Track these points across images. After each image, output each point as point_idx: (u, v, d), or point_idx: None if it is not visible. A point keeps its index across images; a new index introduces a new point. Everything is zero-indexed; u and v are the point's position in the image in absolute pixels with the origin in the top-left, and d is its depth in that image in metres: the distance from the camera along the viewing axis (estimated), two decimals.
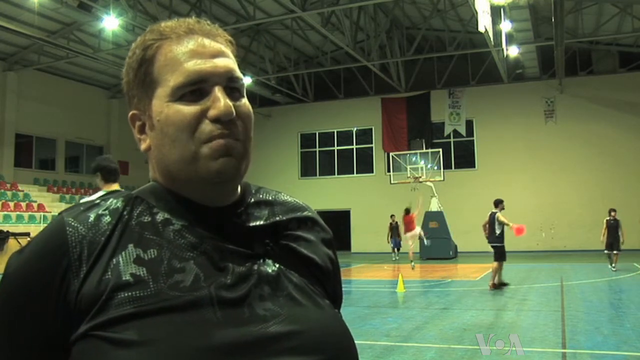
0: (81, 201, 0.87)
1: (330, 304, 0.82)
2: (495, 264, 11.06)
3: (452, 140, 26.23)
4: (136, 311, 0.69)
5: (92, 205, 0.78)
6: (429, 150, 23.67)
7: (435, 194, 21.73)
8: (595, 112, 23.98)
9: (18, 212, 19.19)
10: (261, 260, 0.79)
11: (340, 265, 0.93)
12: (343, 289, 0.95)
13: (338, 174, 27.97)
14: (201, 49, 0.78)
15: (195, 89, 0.77)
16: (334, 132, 28.27)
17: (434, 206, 21.67)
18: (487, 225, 11.43)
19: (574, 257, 20.24)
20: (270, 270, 0.78)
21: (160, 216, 0.78)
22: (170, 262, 0.73)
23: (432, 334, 6.77)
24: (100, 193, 4.16)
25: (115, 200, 0.79)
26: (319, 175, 28.26)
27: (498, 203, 11.53)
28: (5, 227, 17.33)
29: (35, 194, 21.48)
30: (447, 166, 24.16)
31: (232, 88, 0.79)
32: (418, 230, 17.46)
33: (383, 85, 26.05)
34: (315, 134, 28.55)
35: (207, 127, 0.76)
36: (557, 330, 6.89)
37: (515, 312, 8.42)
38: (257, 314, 0.73)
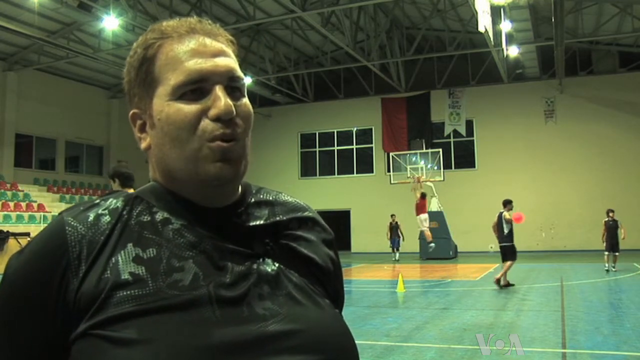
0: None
1: (331, 303, 0.82)
2: (507, 263, 11.17)
3: (452, 140, 26.23)
4: (135, 310, 0.69)
5: (91, 205, 0.78)
6: (429, 150, 23.68)
7: (435, 194, 21.73)
8: (595, 112, 23.99)
9: (18, 212, 19.19)
10: (261, 260, 0.79)
11: (341, 266, 0.93)
12: (344, 290, 0.95)
13: (338, 174, 27.97)
14: (202, 48, 0.79)
15: (196, 87, 0.77)
16: (334, 132, 28.27)
17: (434, 206, 21.67)
18: (496, 226, 11.52)
19: (574, 257, 20.25)
20: (269, 270, 0.78)
21: (159, 215, 0.78)
22: (169, 261, 0.73)
23: (432, 334, 6.77)
24: None
25: (115, 200, 0.79)
26: (319, 175, 28.27)
27: (506, 203, 11.61)
28: (5, 227, 17.33)
29: (35, 194, 21.49)
30: (447, 166, 24.17)
31: (233, 87, 0.79)
32: (426, 216, 18.79)
33: (383, 85, 26.05)
34: (315, 134, 28.56)
35: (207, 125, 0.76)
36: (557, 330, 6.88)
37: (515, 312, 8.42)
38: (256, 312, 0.73)
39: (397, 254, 20.19)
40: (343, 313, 0.89)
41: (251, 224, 0.82)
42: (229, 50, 0.82)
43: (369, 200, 26.40)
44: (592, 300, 9.43)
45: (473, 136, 26.08)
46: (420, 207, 19.00)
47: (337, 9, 17.94)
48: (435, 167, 22.76)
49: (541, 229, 23.57)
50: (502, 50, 20.83)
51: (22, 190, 21.08)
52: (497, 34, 19.06)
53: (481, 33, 17.19)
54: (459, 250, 22.07)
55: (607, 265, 14.35)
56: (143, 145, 0.82)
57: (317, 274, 0.83)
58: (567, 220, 23.72)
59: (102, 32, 19.12)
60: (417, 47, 23.17)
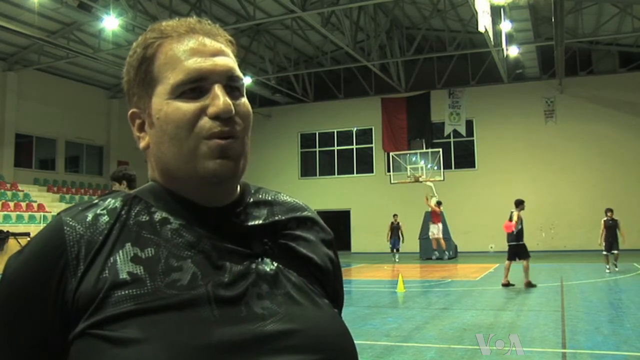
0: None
1: (330, 303, 0.82)
2: (507, 263, 11.24)
3: (452, 140, 26.23)
4: (133, 309, 0.69)
5: (90, 205, 0.78)
6: (429, 150, 23.66)
7: (435, 194, 21.73)
8: (595, 112, 23.99)
9: (18, 212, 19.19)
10: (259, 259, 0.79)
11: (340, 265, 0.93)
12: (344, 290, 0.95)
13: (338, 174, 27.97)
14: (202, 47, 0.79)
15: (195, 86, 0.77)
16: (334, 132, 28.27)
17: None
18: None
19: (574, 257, 20.25)
20: (268, 269, 0.78)
21: (158, 215, 0.78)
22: (168, 261, 0.73)
23: (432, 334, 6.77)
24: None
25: (113, 200, 0.79)
26: (319, 175, 28.26)
27: (519, 203, 11.71)
28: (5, 227, 17.33)
29: (35, 194, 21.48)
30: (447, 166, 24.17)
31: (232, 87, 0.79)
32: (440, 226, 18.80)
33: (383, 85, 26.05)
34: (315, 134, 28.55)
35: (206, 123, 0.76)
36: (557, 330, 6.88)
37: (515, 312, 8.42)
38: (254, 312, 0.73)
39: (397, 255, 20.06)
40: (343, 313, 0.88)
41: (250, 223, 0.82)
42: (228, 50, 0.82)
43: (369, 200, 26.39)
44: (592, 300, 9.43)
45: (473, 136, 26.08)
46: (436, 215, 18.85)
47: (337, 9, 17.94)
48: (435, 167, 22.76)
49: (541, 229, 23.56)
50: (502, 50, 20.83)
51: (22, 190, 21.08)
52: (497, 34, 19.06)
53: (481, 33, 17.19)
54: (459, 250, 22.07)
55: (608, 266, 14.18)
56: (142, 144, 0.82)
57: (316, 273, 0.83)
58: (567, 220, 23.72)
59: (102, 32, 19.11)
60: (417, 47, 23.16)
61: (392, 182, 23.30)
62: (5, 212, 18.70)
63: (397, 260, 19.80)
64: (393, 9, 22.56)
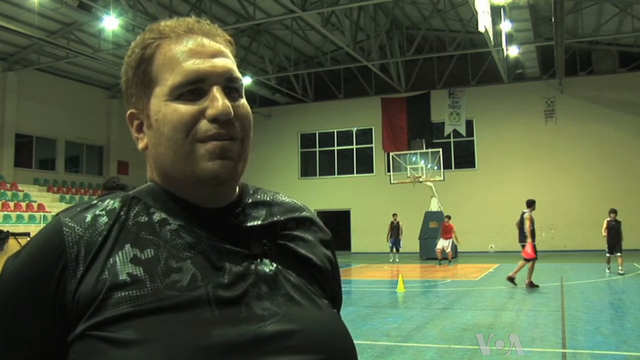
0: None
1: (329, 304, 0.82)
2: (529, 262, 11.19)
3: (452, 140, 26.23)
4: (133, 310, 0.69)
5: (89, 206, 0.78)
6: (429, 150, 23.66)
7: (435, 194, 21.73)
8: (595, 112, 23.98)
9: (18, 212, 19.19)
10: (258, 260, 0.78)
11: (340, 265, 0.93)
12: (343, 289, 0.95)
13: (338, 174, 27.96)
14: (200, 48, 0.78)
15: (193, 88, 0.76)
16: (334, 132, 28.27)
17: (434, 206, 21.67)
18: (519, 225, 11.56)
19: (574, 257, 20.24)
20: (267, 270, 0.78)
21: (157, 216, 0.78)
22: (167, 262, 0.73)
23: (432, 334, 6.77)
24: None
25: (112, 201, 0.79)
26: (319, 175, 28.26)
27: (530, 204, 11.64)
28: (5, 227, 17.30)
29: (35, 194, 21.48)
30: (447, 166, 24.17)
31: (230, 88, 0.79)
32: (449, 243, 18.58)
33: (383, 85, 26.04)
34: (315, 134, 28.55)
35: (204, 126, 0.75)
36: (557, 330, 6.88)
37: (515, 312, 8.42)
38: (254, 313, 0.73)
39: (397, 256, 20.00)
40: (343, 313, 0.88)
41: (249, 224, 0.82)
42: (227, 50, 0.82)
43: (369, 200, 26.39)
44: (592, 300, 9.43)
45: (473, 136, 26.08)
46: (447, 231, 18.63)
47: (337, 9, 17.94)
48: (435, 167, 22.76)
49: (541, 229, 23.43)
50: (502, 50, 20.82)
51: (22, 190, 21.08)
52: (497, 34, 19.05)
53: (481, 33, 17.18)
54: (459, 250, 22.05)
55: (609, 266, 14.03)
56: (140, 145, 0.82)
57: (314, 274, 0.83)
58: (567, 220, 23.71)
59: (102, 32, 19.11)
60: (417, 47, 23.16)
61: (392, 182, 23.30)
62: (5, 212, 18.70)
63: (396, 260, 19.75)
64: (393, 9, 22.56)
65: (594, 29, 21.40)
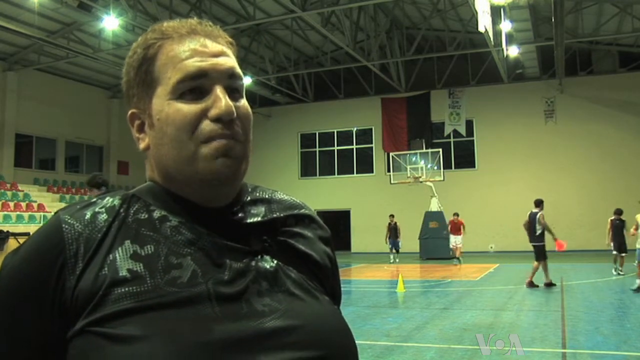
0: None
1: (329, 300, 0.82)
2: (535, 263, 11.22)
3: (452, 140, 26.23)
4: (133, 306, 0.69)
5: (88, 204, 0.78)
6: (429, 150, 23.67)
7: (435, 194, 21.73)
8: (595, 112, 23.99)
9: (18, 212, 19.19)
10: (259, 257, 0.79)
11: (340, 265, 0.93)
12: (343, 289, 0.95)
13: (338, 174, 27.96)
14: (203, 48, 0.79)
15: (195, 86, 0.76)
16: (334, 132, 28.27)
17: (434, 206, 21.66)
18: (529, 225, 11.54)
19: (574, 257, 20.23)
20: (268, 266, 0.78)
21: (157, 213, 0.78)
22: (168, 258, 0.73)
23: (432, 334, 6.77)
24: None
25: (112, 199, 0.79)
26: (319, 175, 28.26)
27: (539, 203, 11.68)
28: (5, 227, 17.32)
29: (35, 194, 21.48)
30: (447, 166, 24.17)
31: (232, 89, 0.79)
32: (460, 238, 18.56)
33: (383, 85, 26.05)
34: (315, 134, 28.55)
35: (207, 126, 0.75)
36: (557, 330, 6.89)
37: (515, 312, 8.42)
38: (255, 309, 0.73)
39: (396, 256, 19.93)
40: (343, 313, 0.88)
41: (248, 221, 0.82)
42: (229, 51, 0.82)
43: (369, 200, 26.39)
44: (592, 300, 9.43)
45: (473, 136, 26.08)
46: (456, 228, 18.64)
47: (337, 9, 17.94)
48: (435, 167, 22.76)
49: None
50: (502, 50, 20.82)
51: (22, 190, 21.08)
52: (497, 34, 19.05)
53: (481, 33, 17.18)
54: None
55: (616, 266, 13.81)
56: (142, 145, 0.82)
57: (314, 270, 0.83)
58: (567, 220, 23.70)
59: (102, 32, 19.11)
60: (417, 47, 23.16)
61: (392, 182, 23.30)
62: (5, 212, 18.70)
63: (396, 260, 19.67)
64: (393, 9, 22.57)
65: (594, 29, 21.40)
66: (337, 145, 28.24)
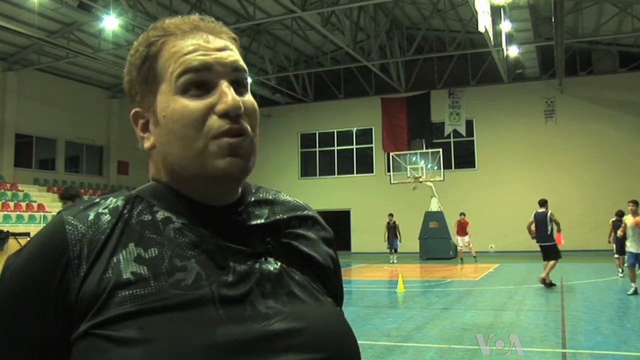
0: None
1: (332, 301, 0.82)
2: (551, 262, 11.21)
3: (452, 140, 26.23)
4: (137, 309, 0.68)
5: (91, 204, 0.78)
6: (429, 150, 23.67)
7: (435, 194, 21.72)
8: (595, 112, 23.99)
9: (18, 212, 19.19)
10: (263, 259, 0.78)
11: (340, 265, 0.93)
12: (343, 289, 0.95)
13: (338, 174, 27.96)
14: (205, 44, 0.78)
15: (200, 80, 0.76)
16: (334, 132, 28.27)
17: (434, 206, 21.66)
18: (535, 225, 11.54)
19: (574, 257, 20.23)
20: (272, 269, 0.78)
21: (160, 215, 0.77)
22: (172, 261, 0.73)
23: (432, 334, 6.77)
24: None
25: (115, 199, 0.78)
26: (319, 175, 28.26)
27: (544, 203, 11.72)
28: (5, 227, 17.31)
29: (35, 194, 21.48)
30: (447, 166, 24.17)
31: (238, 83, 0.78)
32: (467, 238, 18.69)
33: (383, 85, 26.05)
34: (315, 134, 28.56)
35: (215, 122, 0.75)
36: (557, 330, 6.89)
37: (515, 312, 8.42)
38: (259, 311, 0.72)
39: (395, 257, 19.88)
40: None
41: (252, 222, 0.82)
42: (232, 46, 0.82)
43: (369, 200, 26.39)
44: (592, 300, 9.43)
45: (473, 136, 26.08)
46: (462, 228, 18.68)
47: (337, 9, 17.94)
48: (435, 167, 22.76)
49: None
50: (502, 50, 20.82)
51: (22, 190, 21.08)
52: (497, 34, 19.05)
53: (481, 33, 17.19)
54: (458, 250, 22.06)
55: (620, 269, 13.65)
56: (146, 144, 0.81)
57: (317, 272, 0.83)
58: (567, 220, 23.63)
59: (102, 32, 19.11)
60: (417, 47, 23.16)
61: (392, 182, 23.30)
62: (5, 212, 18.71)
63: (395, 261, 19.61)
64: (393, 9, 22.56)
65: (594, 29, 21.40)
66: (337, 145, 28.24)
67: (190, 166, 0.76)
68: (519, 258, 19.86)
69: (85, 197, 23.30)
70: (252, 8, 18.58)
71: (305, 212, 0.89)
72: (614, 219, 13.93)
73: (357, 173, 27.60)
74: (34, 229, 17.62)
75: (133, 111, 0.82)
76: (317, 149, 28.60)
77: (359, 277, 15.11)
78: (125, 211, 0.77)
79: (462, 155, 26.24)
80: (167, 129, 0.77)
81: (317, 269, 0.83)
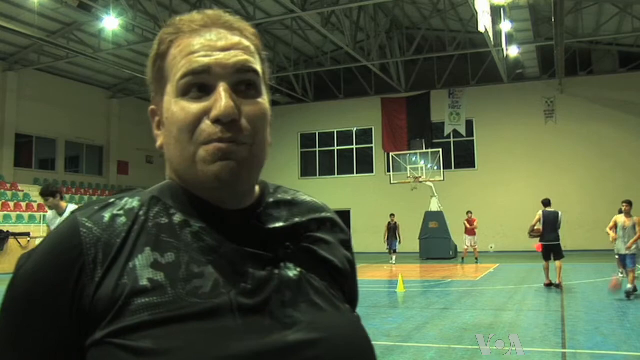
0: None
1: (350, 308, 0.81)
2: (559, 263, 11.17)
3: (452, 140, 26.24)
4: (154, 319, 0.67)
5: (106, 205, 0.75)
6: (429, 150, 23.67)
7: (435, 194, 21.73)
8: (595, 112, 23.99)
9: (18, 212, 19.20)
10: (282, 264, 0.76)
11: (356, 266, 0.92)
12: (358, 290, 0.94)
13: (338, 174, 27.97)
14: (212, 42, 0.75)
15: (200, 83, 0.73)
16: (334, 132, 28.27)
17: (434, 206, 21.66)
18: (544, 224, 11.51)
19: (574, 257, 20.23)
20: (291, 275, 0.76)
21: (177, 218, 0.75)
22: (189, 267, 0.71)
23: (432, 334, 6.76)
24: (72, 207, 6.05)
25: (130, 200, 0.76)
26: (319, 175, 28.27)
27: (549, 202, 11.69)
28: (5, 227, 17.34)
29: (35, 194, 21.43)
30: (447, 166, 24.17)
31: (248, 85, 0.75)
32: (474, 238, 18.65)
33: (383, 85, 26.05)
34: (315, 134, 28.56)
35: (207, 128, 0.72)
36: (557, 330, 6.88)
37: (515, 312, 8.42)
38: (278, 321, 0.71)
39: (394, 258, 19.78)
40: None
41: (270, 226, 0.79)
42: (247, 43, 0.78)
43: (369, 200, 26.40)
44: (592, 300, 9.43)
45: (473, 136, 26.09)
46: (471, 228, 18.61)
47: (337, 9, 17.94)
48: (435, 167, 22.76)
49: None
50: (502, 50, 20.83)
51: (22, 190, 21.08)
52: (497, 34, 19.06)
53: (481, 33, 17.19)
54: (459, 250, 22.05)
55: (620, 269, 13.61)
56: (158, 142, 0.80)
57: (336, 276, 0.81)
58: (568, 220, 23.62)
59: (102, 32, 19.12)
60: (417, 47, 23.17)
61: (392, 182, 23.30)
62: (5, 212, 18.71)
63: (394, 262, 19.52)
64: (393, 9, 22.57)
65: (594, 29, 21.41)
66: (337, 145, 28.24)
67: (186, 172, 0.75)
68: (519, 258, 19.86)
69: (85, 197, 23.33)
70: (252, 8, 18.58)
71: (324, 214, 0.87)
72: None
73: (357, 173, 27.61)
74: (34, 229, 17.64)
75: (150, 108, 0.82)
76: (317, 149, 28.60)
77: (359, 277, 14.83)
78: (141, 213, 0.75)
79: (462, 155, 26.24)
80: (168, 130, 0.76)
81: (336, 273, 0.82)
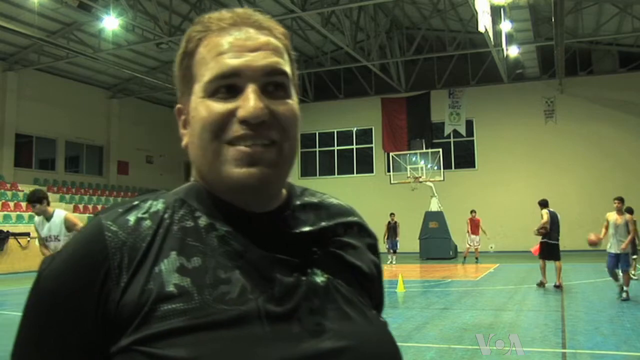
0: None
1: (377, 314, 0.80)
2: (559, 263, 11.25)
3: (452, 140, 26.24)
4: (181, 326, 0.65)
5: (130, 207, 0.74)
6: (429, 150, 23.68)
7: (435, 194, 21.72)
8: (595, 112, 23.99)
9: (18, 212, 19.20)
10: (309, 270, 0.75)
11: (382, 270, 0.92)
12: (384, 295, 0.94)
13: (338, 174, 27.97)
14: (241, 42, 0.74)
15: (229, 84, 0.72)
16: (334, 132, 28.28)
17: (434, 206, 21.66)
18: (548, 224, 11.57)
19: (574, 257, 20.24)
20: (319, 281, 0.74)
21: (202, 221, 0.73)
22: (216, 272, 0.69)
23: (432, 334, 6.76)
24: (59, 212, 6.07)
25: (155, 202, 0.75)
26: (319, 175, 28.27)
27: (547, 203, 11.78)
28: (5, 227, 17.33)
29: None
30: (447, 166, 24.17)
31: (276, 86, 0.74)
32: (477, 237, 18.72)
33: (383, 85, 26.05)
34: (315, 134, 28.56)
35: (233, 127, 0.71)
36: (557, 330, 6.88)
37: (515, 312, 8.41)
38: (306, 328, 0.69)
39: (394, 258, 19.76)
40: None
41: (297, 230, 0.78)
42: (277, 44, 0.77)
43: (369, 201, 26.36)
44: (592, 300, 9.43)
45: (473, 136, 26.09)
46: (475, 226, 18.69)
47: (337, 9, 17.94)
48: (435, 167, 22.76)
49: None
50: (502, 50, 20.83)
51: (22, 190, 21.06)
52: (497, 34, 19.06)
53: (481, 33, 17.19)
54: (459, 250, 22.06)
55: (634, 272, 13.38)
56: (183, 142, 0.78)
57: (363, 282, 0.80)
58: (567, 220, 23.63)
59: (102, 32, 19.12)
60: (417, 47, 23.17)
61: (392, 182, 23.31)
62: (5, 212, 18.71)
63: (393, 262, 19.50)
64: (393, 9, 22.57)
65: (594, 29, 21.41)
66: (337, 145, 28.25)
67: (209, 172, 0.74)
68: (519, 258, 19.86)
69: (85, 198, 23.33)
70: (252, 8, 18.56)
71: (350, 218, 0.86)
72: None
73: (357, 173, 27.61)
74: (34, 229, 17.60)
75: (176, 107, 0.81)
76: (317, 149, 28.60)
77: None
78: (165, 216, 0.73)
79: (462, 155, 26.24)
80: (192, 130, 0.74)
81: (363, 279, 0.80)
